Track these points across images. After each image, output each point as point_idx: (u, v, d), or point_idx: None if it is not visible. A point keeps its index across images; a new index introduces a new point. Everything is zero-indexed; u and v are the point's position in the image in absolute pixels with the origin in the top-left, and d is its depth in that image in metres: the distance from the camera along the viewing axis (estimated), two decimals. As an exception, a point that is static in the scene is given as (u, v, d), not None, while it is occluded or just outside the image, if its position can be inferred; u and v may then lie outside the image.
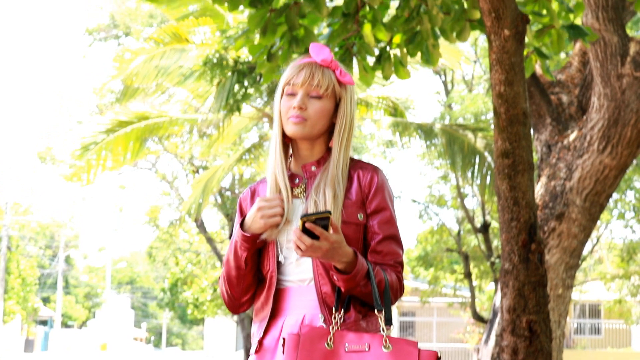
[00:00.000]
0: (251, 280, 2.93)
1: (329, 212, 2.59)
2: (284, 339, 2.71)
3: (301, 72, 2.88)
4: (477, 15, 6.00)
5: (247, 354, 21.24)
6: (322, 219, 2.59)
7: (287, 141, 2.96)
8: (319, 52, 2.91)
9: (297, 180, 2.92)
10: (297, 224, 2.76)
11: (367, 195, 2.88)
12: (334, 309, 2.77)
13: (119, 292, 66.92)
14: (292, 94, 2.89)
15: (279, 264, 2.90)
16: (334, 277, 2.74)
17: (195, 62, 13.49)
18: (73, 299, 65.63)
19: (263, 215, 2.81)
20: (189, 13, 13.60)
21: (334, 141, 2.90)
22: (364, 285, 2.75)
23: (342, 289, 2.76)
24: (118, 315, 57.39)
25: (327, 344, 2.69)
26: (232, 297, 2.96)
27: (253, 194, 3.03)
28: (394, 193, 3.00)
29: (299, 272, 2.87)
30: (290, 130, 2.88)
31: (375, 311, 2.77)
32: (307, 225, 2.58)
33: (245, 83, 13.29)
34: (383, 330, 2.73)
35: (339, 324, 2.75)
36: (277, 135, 2.94)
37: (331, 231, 2.63)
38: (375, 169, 2.92)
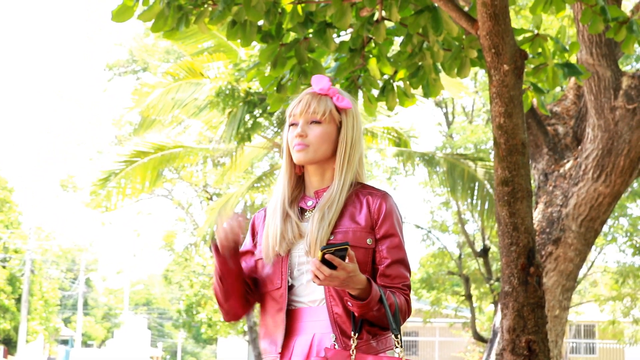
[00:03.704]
0: (238, 296, 2.91)
1: (348, 244, 2.58)
2: None
3: (300, 102, 2.91)
4: (474, 54, 6.02)
5: (258, 373, 21.14)
6: (340, 250, 2.58)
7: (297, 172, 2.97)
8: (318, 82, 2.93)
9: (310, 203, 2.91)
10: (305, 249, 2.79)
11: (377, 221, 2.85)
12: (352, 332, 2.75)
13: (136, 312, 66.74)
14: (294, 124, 2.92)
15: (290, 285, 2.88)
16: (349, 303, 2.72)
17: (208, 94, 13.54)
18: (92, 319, 65.53)
19: (219, 231, 2.82)
20: (204, 49, 13.66)
21: (335, 164, 2.90)
22: (377, 310, 2.73)
23: (356, 314, 2.74)
24: (135, 335, 57.22)
25: None
26: (224, 311, 2.94)
27: (254, 225, 3.03)
28: (402, 218, 2.98)
29: (309, 293, 2.84)
30: (296, 158, 2.89)
31: (392, 335, 2.76)
32: (327, 256, 2.57)
33: (256, 113, 13.33)
34: (400, 354, 2.73)
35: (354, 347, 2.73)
36: (285, 164, 2.96)
37: (347, 261, 2.61)
38: (384, 195, 2.90)
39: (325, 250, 2.57)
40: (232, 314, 2.95)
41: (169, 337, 69.12)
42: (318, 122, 2.88)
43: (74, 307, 58.95)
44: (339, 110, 2.91)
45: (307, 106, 2.88)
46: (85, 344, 63.02)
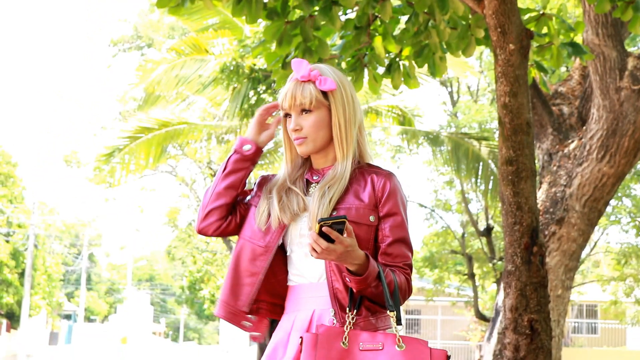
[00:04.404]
0: (226, 203, 2.96)
1: (345, 217, 2.57)
2: (301, 337, 2.68)
3: (286, 95, 2.91)
4: (481, 34, 6.01)
5: (260, 349, 21.22)
6: (338, 224, 2.57)
7: (303, 155, 2.99)
8: (298, 69, 2.92)
9: (315, 177, 2.94)
10: (309, 225, 2.80)
11: (380, 199, 2.86)
12: (347, 308, 2.75)
13: (139, 288, 66.92)
14: (288, 115, 2.94)
15: (287, 258, 2.91)
16: (347, 279, 2.73)
17: (213, 71, 13.53)
18: (95, 294, 65.76)
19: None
20: (209, 25, 13.63)
21: (334, 146, 2.92)
22: (375, 287, 2.73)
23: (354, 290, 2.74)
24: (138, 311, 57.37)
25: (343, 343, 2.67)
26: (206, 211, 2.97)
27: (262, 182, 3.05)
28: (406, 198, 2.98)
29: (308, 267, 2.86)
30: (299, 151, 2.93)
31: (387, 311, 2.76)
32: (324, 229, 2.56)
33: (260, 89, 13.31)
34: (395, 330, 2.72)
35: (351, 324, 2.73)
36: (286, 150, 3.00)
37: (345, 235, 2.61)
38: (389, 175, 2.90)
39: (322, 223, 2.56)
40: (209, 221, 2.97)
41: (171, 313, 69.37)
42: (309, 111, 2.89)
43: (77, 282, 59.15)
44: (324, 93, 2.91)
45: (293, 98, 2.89)
46: (88, 319, 63.28)
